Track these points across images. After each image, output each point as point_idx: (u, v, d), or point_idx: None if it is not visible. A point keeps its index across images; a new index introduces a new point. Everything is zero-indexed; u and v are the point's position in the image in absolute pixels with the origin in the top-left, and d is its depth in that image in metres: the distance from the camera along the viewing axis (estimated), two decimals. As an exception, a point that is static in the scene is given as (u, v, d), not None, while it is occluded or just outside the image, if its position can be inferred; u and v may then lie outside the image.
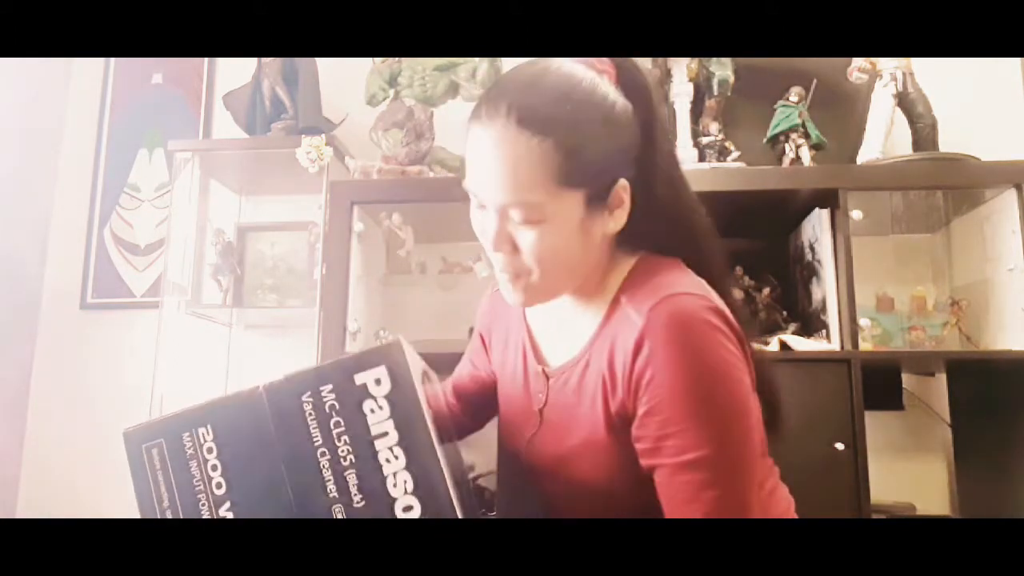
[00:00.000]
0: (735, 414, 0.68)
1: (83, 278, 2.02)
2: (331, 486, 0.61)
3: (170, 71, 2.10)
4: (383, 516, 0.61)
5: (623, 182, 0.74)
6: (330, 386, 0.63)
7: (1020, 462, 1.38)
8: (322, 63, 1.83)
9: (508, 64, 1.65)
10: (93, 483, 1.84)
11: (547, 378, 0.81)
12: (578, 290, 0.79)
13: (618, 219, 0.75)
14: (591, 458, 0.75)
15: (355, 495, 0.61)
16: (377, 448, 0.62)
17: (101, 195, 2.06)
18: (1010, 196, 1.39)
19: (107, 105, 2.11)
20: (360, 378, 0.63)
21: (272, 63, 1.80)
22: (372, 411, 0.63)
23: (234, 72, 1.93)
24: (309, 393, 0.63)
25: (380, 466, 0.62)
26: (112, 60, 2.13)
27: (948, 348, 1.55)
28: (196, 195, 1.84)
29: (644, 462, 0.70)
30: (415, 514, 0.61)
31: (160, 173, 2.03)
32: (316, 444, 0.62)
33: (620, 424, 0.72)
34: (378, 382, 0.63)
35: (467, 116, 0.74)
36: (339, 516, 0.61)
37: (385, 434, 0.62)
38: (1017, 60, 1.78)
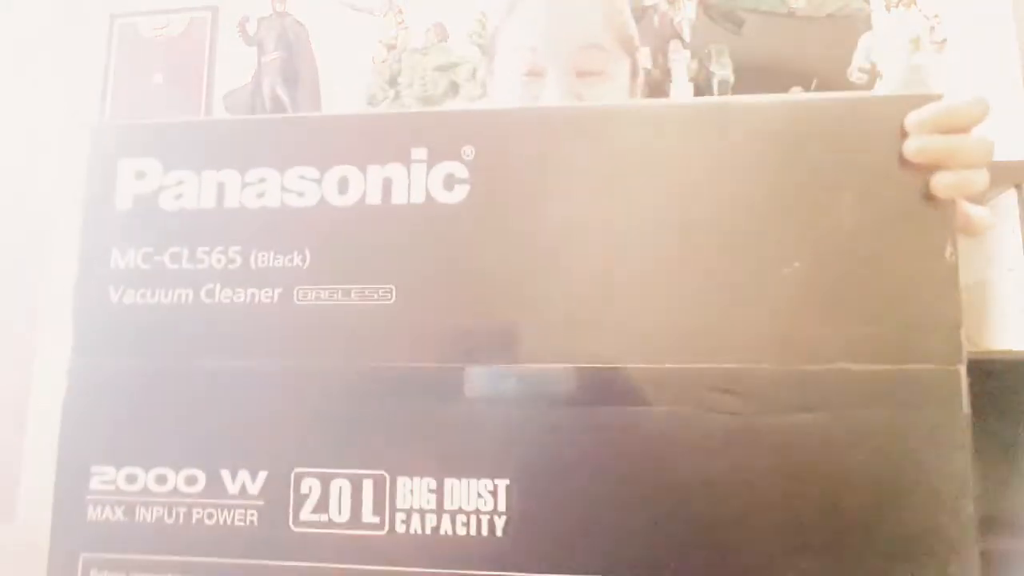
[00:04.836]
0: None
1: (83, 278, 2.02)
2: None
3: (170, 71, 2.10)
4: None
5: (643, 76, 0.80)
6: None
7: (1021, 462, 1.38)
8: (322, 63, 1.83)
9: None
10: (93, 483, 1.84)
11: None
12: None
13: None
14: None
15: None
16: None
17: (101, 195, 2.06)
18: (1010, 196, 1.39)
19: (107, 105, 2.11)
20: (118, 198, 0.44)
21: (272, 62, 1.80)
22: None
23: (234, 72, 1.93)
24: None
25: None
26: (112, 60, 2.13)
27: (948, 348, 1.55)
28: (196, 195, 1.84)
29: None
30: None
31: (160, 173, 2.03)
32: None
33: None
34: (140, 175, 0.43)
35: (506, 6, 0.75)
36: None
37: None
38: (1017, 61, 1.78)
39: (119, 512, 0.39)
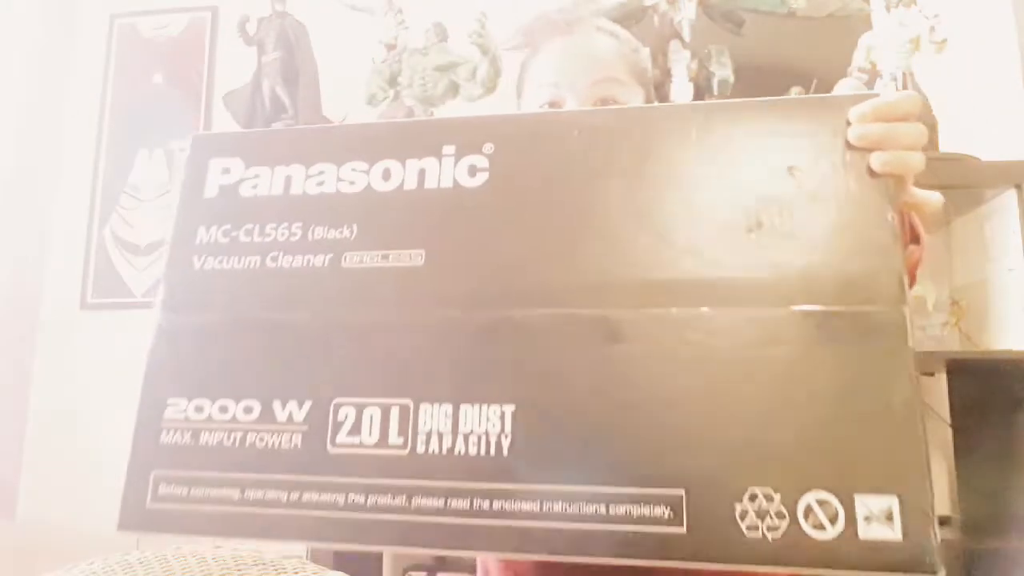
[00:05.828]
0: None
1: (83, 278, 2.02)
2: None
3: (170, 71, 2.10)
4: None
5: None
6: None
7: (1020, 462, 1.38)
8: (322, 63, 1.83)
9: (508, 63, 1.65)
10: (93, 483, 1.84)
11: None
12: None
13: None
14: None
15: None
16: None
17: (101, 195, 2.06)
18: (1010, 196, 1.40)
19: (107, 105, 2.11)
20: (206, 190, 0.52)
21: (272, 62, 1.80)
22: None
23: (234, 72, 1.93)
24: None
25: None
26: (112, 60, 2.13)
27: (948, 348, 1.55)
28: (196, 195, 1.84)
29: None
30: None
31: (160, 173, 2.03)
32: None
33: None
34: (226, 171, 0.53)
35: (531, 48, 0.82)
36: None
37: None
38: (1017, 60, 1.78)
39: (187, 436, 0.47)
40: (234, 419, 0.47)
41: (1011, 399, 1.41)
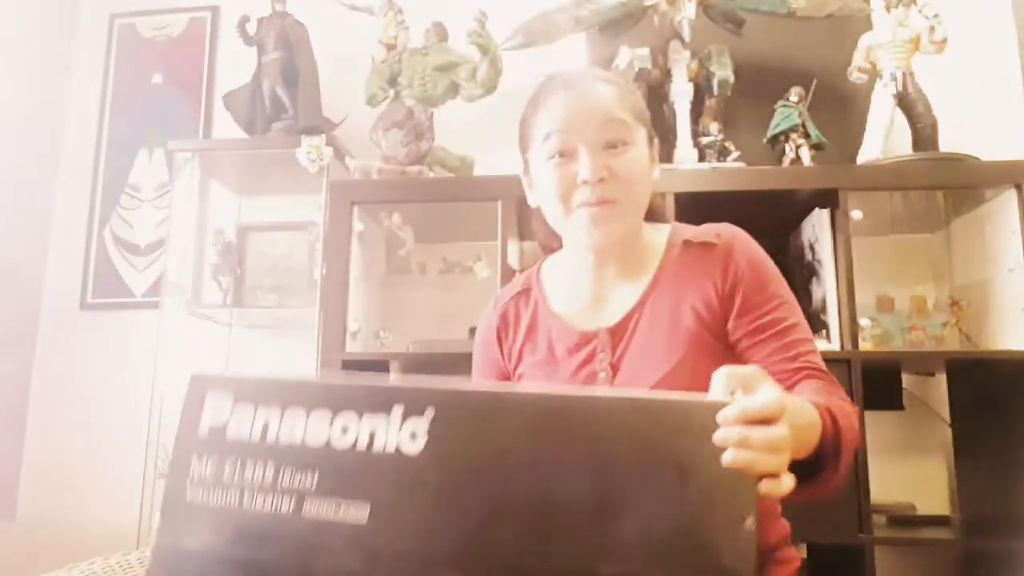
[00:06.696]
0: (796, 302, 0.88)
1: (83, 278, 2.02)
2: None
3: (170, 71, 2.10)
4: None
5: (656, 141, 0.89)
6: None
7: (1020, 462, 1.38)
8: (322, 63, 1.83)
9: (508, 63, 1.65)
10: (93, 483, 1.84)
11: (610, 335, 0.87)
12: (623, 258, 0.88)
13: (657, 173, 0.89)
14: (687, 375, 0.82)
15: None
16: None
17: (101, 195, 2.06)
18: (1010, 196, 1.40)
19: (107, 105, 2.11)
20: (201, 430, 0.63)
21: (272, 63, 1.80)
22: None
23: (234, 72, 1.93)
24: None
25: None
26: (112, 60, 2.13)
27: (948, 348, 1.55)
28: (196, 195, 1.84)
29: (745, 343, 0.83)
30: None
31: (160, 173, 2.03)
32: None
33: (712, 328, 0.83)
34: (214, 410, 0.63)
35: (531, 103, 0.87)
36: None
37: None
38: (1017, 60, 1.79)
39: None
40: None
41: (1011, 399, 1.41)
